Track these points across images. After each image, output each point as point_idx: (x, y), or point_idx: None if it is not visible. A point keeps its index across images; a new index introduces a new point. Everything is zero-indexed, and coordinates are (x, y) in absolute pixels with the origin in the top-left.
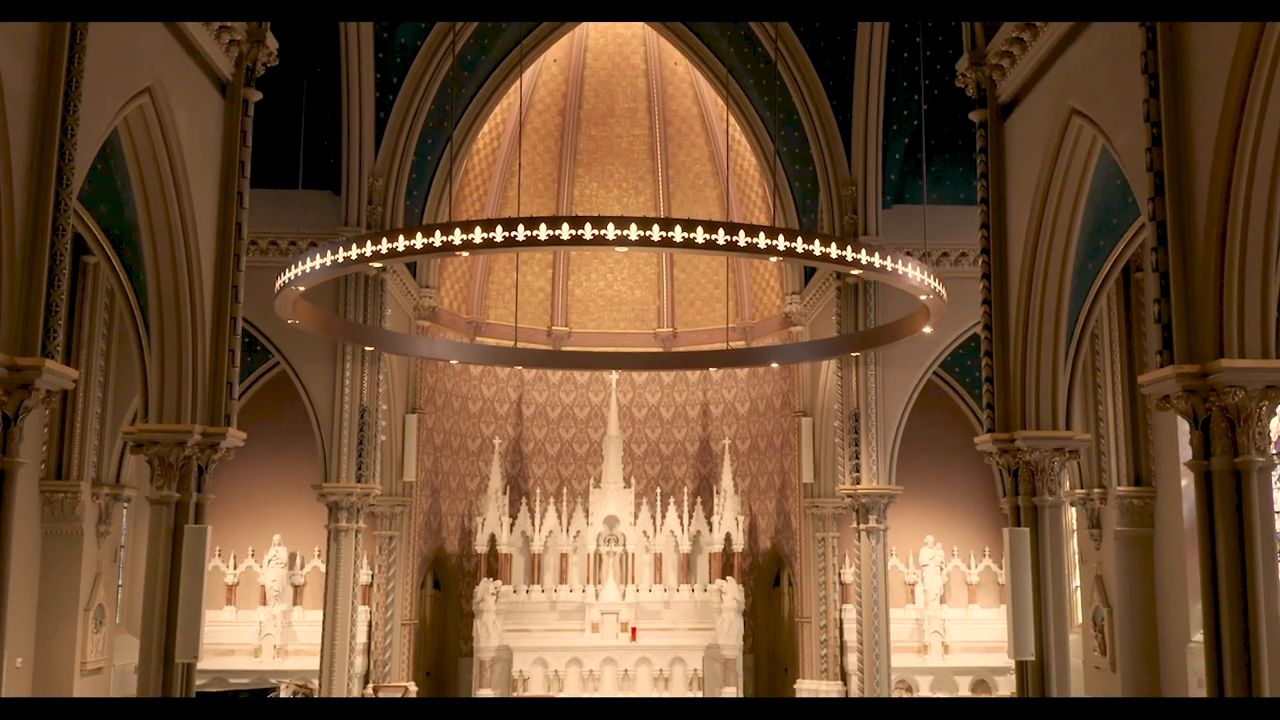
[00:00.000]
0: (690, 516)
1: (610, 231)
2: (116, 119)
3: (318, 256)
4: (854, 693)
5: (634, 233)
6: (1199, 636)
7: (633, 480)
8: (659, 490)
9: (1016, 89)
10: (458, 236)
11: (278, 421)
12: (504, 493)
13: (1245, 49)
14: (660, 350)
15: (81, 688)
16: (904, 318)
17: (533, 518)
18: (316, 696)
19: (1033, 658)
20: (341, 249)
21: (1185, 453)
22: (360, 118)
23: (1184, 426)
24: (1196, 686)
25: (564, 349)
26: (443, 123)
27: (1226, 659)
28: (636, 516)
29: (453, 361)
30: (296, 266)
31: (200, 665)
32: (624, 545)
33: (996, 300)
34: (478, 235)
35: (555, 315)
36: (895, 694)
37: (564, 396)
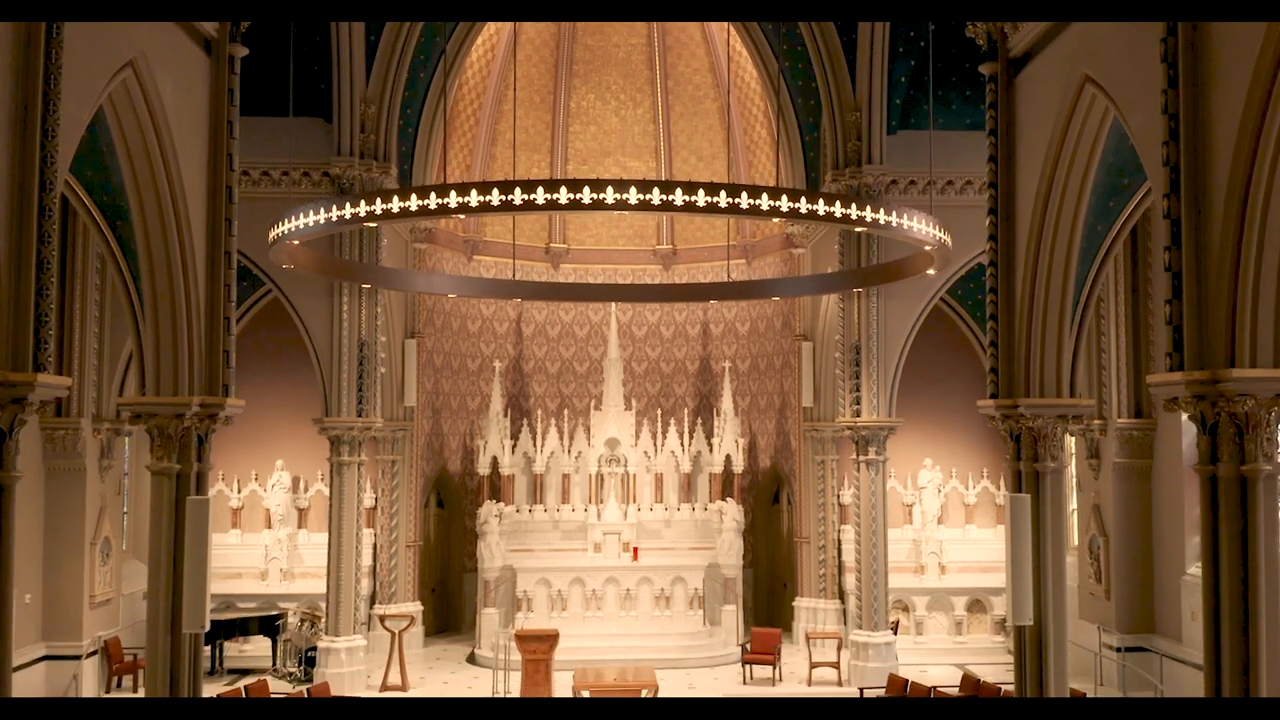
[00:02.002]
0: (690, 437)
1: (610, 195)
2: (100, 98)
3: (311, 214)
4: (851, 611)
5: (634, 196)
6: (1194, 569)
7: (633, 399)
8: (659, 410)
9: (1029, 45)
10: (453, 199)
11: (276, 346)
12: (505, 415)
13: (1271, 46)
14: (659, 267)
15: (91, 620)
16: (908, 257)
17: (534, 439)
18: (323, 620)
19: (1030, 622)
20: (335, 208)
21: None
22: (350, 41)
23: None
24: (1190, 620)
25: (563, 282)
26: (435, 38)
27: (1225, 662)
28: (637, 438)
29: (450, 296)
30: (289, 221)
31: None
32: (625, 466)
33: (1003, 264)
34: (474, 198)
35: (553, 232)
36: (893, 614)
37: (563, 315)
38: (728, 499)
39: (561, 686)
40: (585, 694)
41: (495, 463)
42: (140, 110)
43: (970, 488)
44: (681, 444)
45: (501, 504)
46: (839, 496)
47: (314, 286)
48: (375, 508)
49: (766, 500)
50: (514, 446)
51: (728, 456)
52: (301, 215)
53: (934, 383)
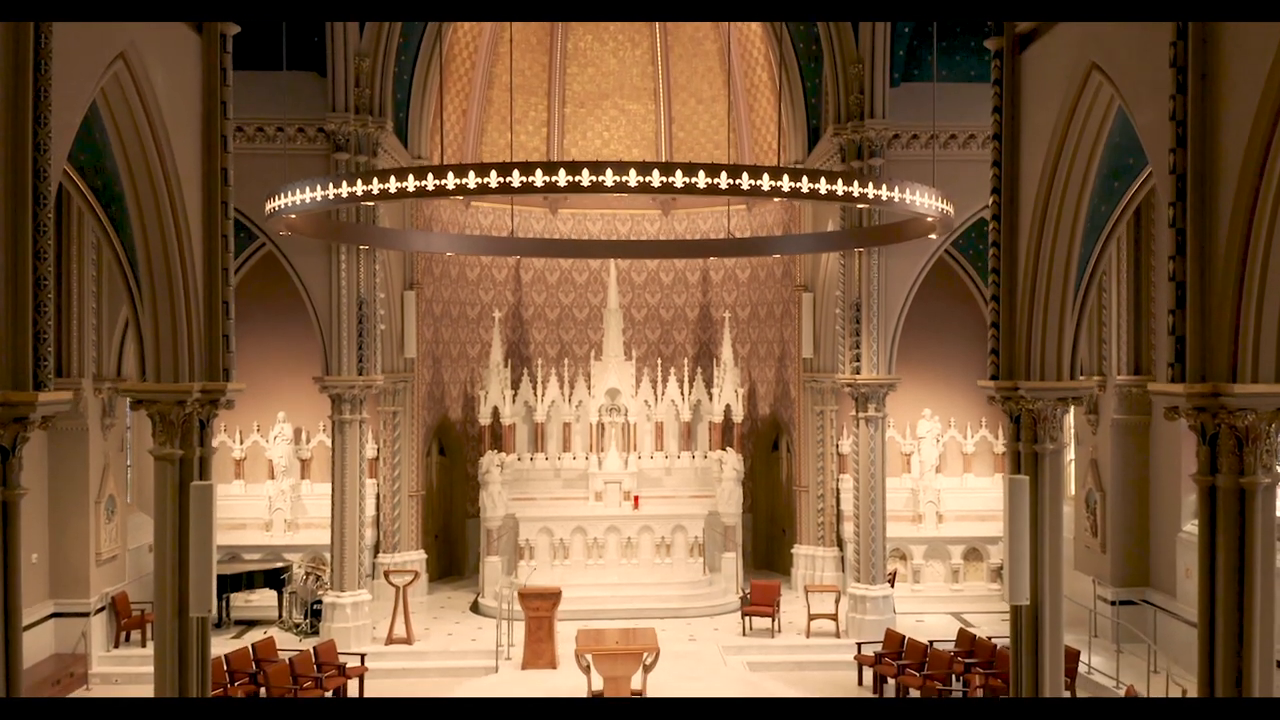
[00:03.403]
0: (690, 385)
1: (609, 178)
2: (92, 95)
3: (307, 190)
4: (849, 560)
5: (633, 178)
6: (1190, 526)
7: (633, 346)
8: (659, 357)
9: (1036, 23)
10: (451, 180)
11: (274, 297)
12: (505, 364)
13: None
14: (659, 213)
15: (98, 576)
16: (909, 220)
17: (535, 387)
18: (328, 573)
19: (1027, 602)
20: (332, 185)
21: None
22: None
23: None
24: (1184, 577)
25: (560, 239)
26: None
27: (1220, 667)
28: (637, 387)
29: (448, 254)
30: (285, 196)
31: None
32: (625, 415)
33: (1006, 244)
34: (471, 180)
35: None
36: (890, 563)
37: (562, 261)
38: (727, 448)
39: (564, 639)
40: (588, 658)
41: (496, 413)
42: (133, 101)
43: (969, 437)
44: (681, 393)
45: (503, 454)
46: (838, 446)
47: (312, 244)
48: (377, 458)
49: (766, 447)
50: (514, 396)
51: (727, 406)
52: (297, 191)
53: (934, 332)
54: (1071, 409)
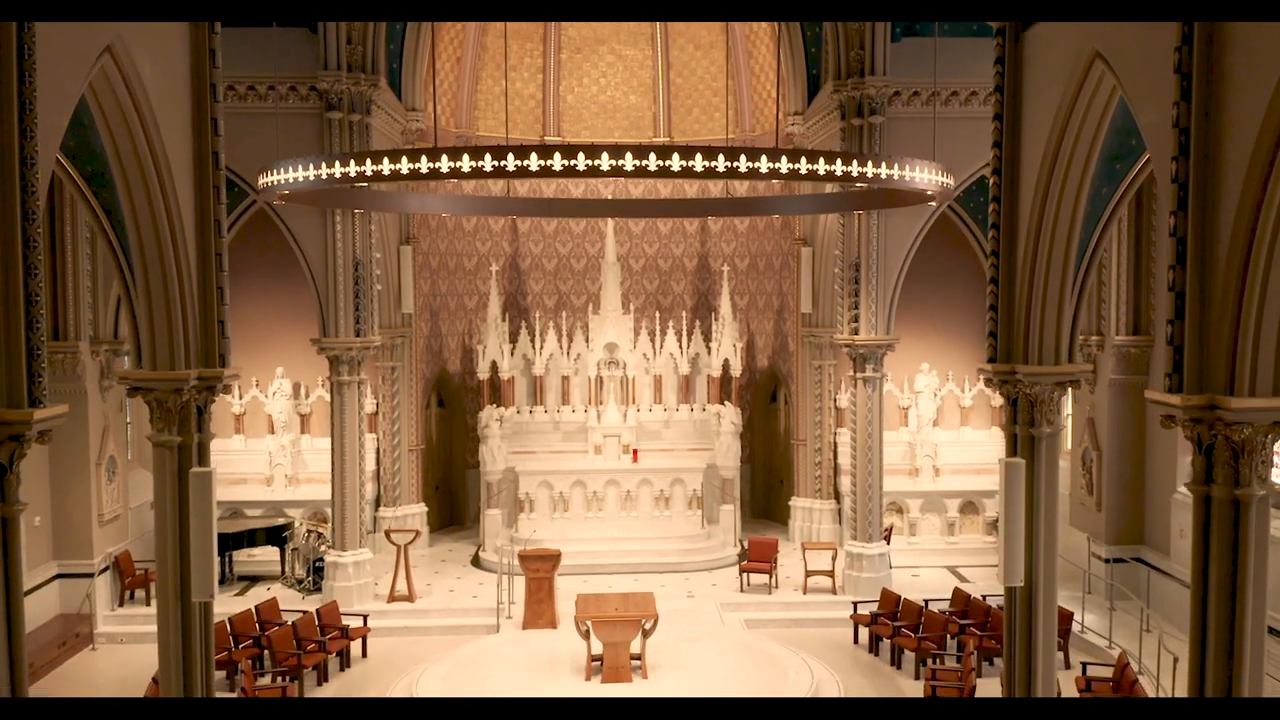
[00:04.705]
0: (689, 339)
1: (605, 161)
2: (79, 92)
3: (300, 169)
4: (846, 513)
5: (629, 162)
6: (1184, 489)
7: (631, 297)
8: (657, 309)
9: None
10: (445, 164)
11: (269, 252)
12: (503, 317)
13: None
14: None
15: (100, 537)
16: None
17: (533, 340)
18: (329, 530)
19: (1022, 583)
20: (325, 165)
21: None
22: None
23: None
24: (1178, 537)
25: (558, 198)
26: None
27: (1210, 677)
28: (635, 341)
29: (444, 215)
30: (278, 173)
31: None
32: (624, 370)
33: (1006, 226)
34: (465, 164)
35: (547, 125)
36: (887, 517)
37: None
38: (726, 402)
39: (564, 596)
40: (587, 624)
41: (494, 367)
42: (120, 92)
43: (966, 390)
44: (680, 347)
45: (502, 407)
46: (835, 400)
47: (306, 206)
48: (377, 413)
49: (764, 399)
50: (513, 350)
51: (725, 360)
52: (290, 169)
53: (933, 285)
54: (1070, 390)
